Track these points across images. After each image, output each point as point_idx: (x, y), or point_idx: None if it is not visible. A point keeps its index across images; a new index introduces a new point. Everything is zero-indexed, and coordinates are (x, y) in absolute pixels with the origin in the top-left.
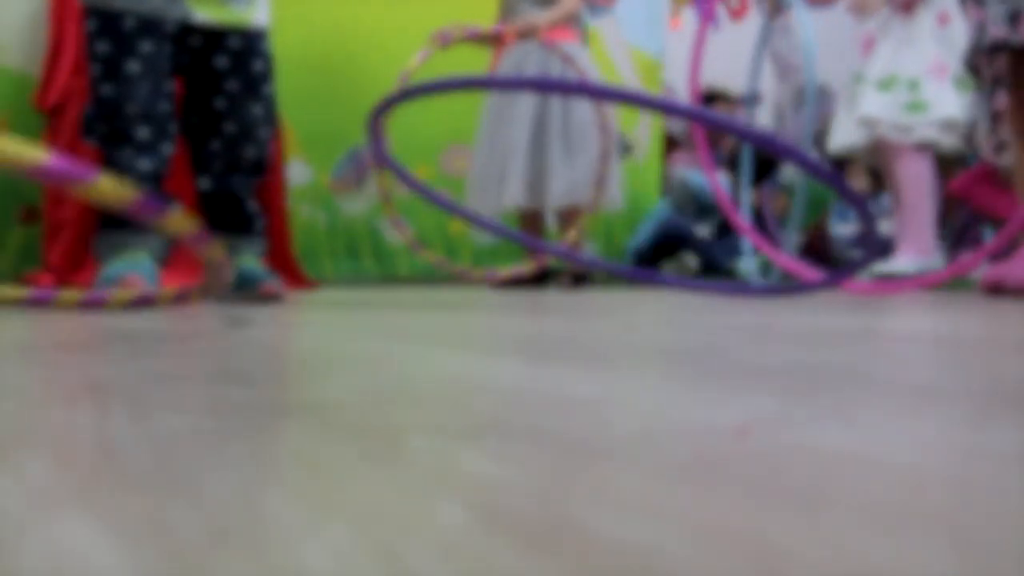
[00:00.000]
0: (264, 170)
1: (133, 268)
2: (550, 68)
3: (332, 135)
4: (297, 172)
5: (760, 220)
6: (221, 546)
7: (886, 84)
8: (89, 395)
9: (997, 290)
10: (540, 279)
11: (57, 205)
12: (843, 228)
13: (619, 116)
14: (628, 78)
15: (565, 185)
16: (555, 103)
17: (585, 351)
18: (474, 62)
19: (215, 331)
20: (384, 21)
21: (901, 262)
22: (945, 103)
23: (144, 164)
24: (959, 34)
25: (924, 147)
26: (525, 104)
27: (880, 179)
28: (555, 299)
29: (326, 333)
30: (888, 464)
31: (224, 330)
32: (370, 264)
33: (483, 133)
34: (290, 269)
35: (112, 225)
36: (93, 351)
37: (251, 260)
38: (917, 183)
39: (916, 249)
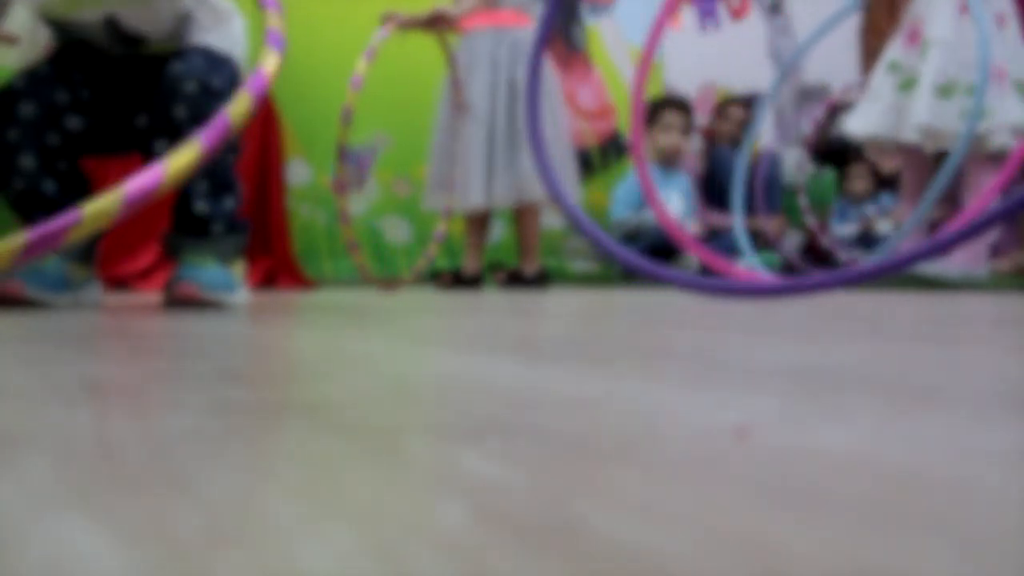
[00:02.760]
0: (228, 151)
1: (26, 275)
2: (500, 56)
3: (332, 135)
4: (297, 172)
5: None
6: (221, 546)
7: (946, 91)
8: (89, 395)
9: None
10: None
11: None
12: (843, 228)
13: (618, 117)
14: (628, 78)
15: (510, 183)
16: (501, 101)
17: (585, 351)
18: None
19: (215, 331)
20: None
21: (950, 266)
22: (1008, 109)
23: (27, 160)
24: (1014, 37)
25: (996, 156)
26: (477, 104)
27: (880, 180)
28: (555, 301)
29: (326, 333)
30: (888, 464)
31: (225, 330)
32: (370, 264)
33: (439, 133)
34: (290, 269)
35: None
36: (93, 351)
37: (200, 259)
38: (983, 194)
39: (968, 256)
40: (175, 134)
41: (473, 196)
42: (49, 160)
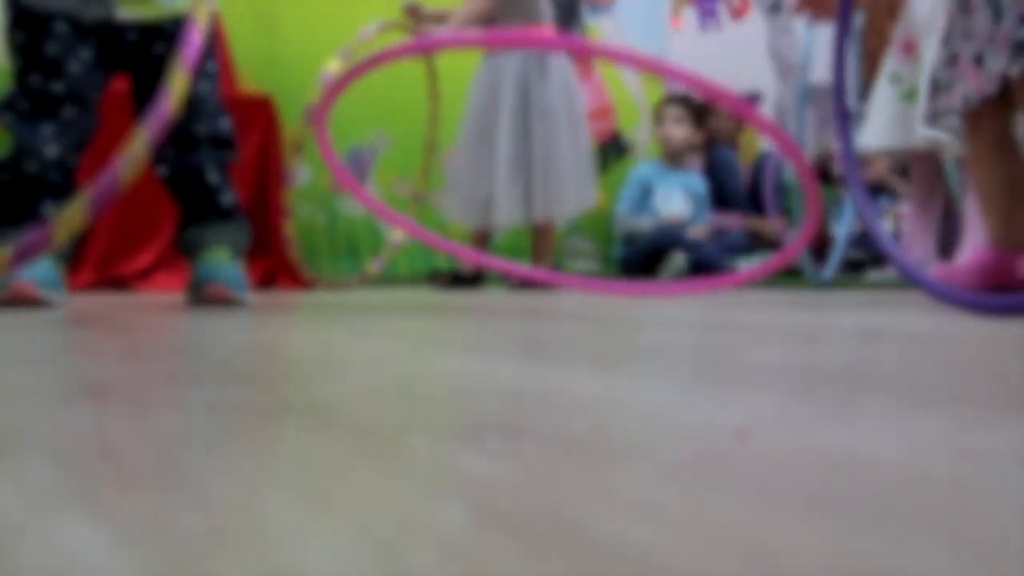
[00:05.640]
0: (228, 146)
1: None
2: (529, 77)
3: (332, 135)
4: (297, 172)
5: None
6: (221, 546)
7: None
8: (89, 395)
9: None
10: (475, 280)
11: None
12: (843, 228)
13: (619, 116)
14: (628, 77)
15: (542, 203)
16: (533, 123)
17: (585, 351)
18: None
19: (215, 331)
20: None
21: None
22: None
23: (51, 150)
24: None
25: None
26: (506, 118)
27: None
28: (556, 302)
29: (326, 333)
30: (888, 464)
31: (225, 330)
32: (370, 264)
33: (466, 146)
34: (289, 269)
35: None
36: (93, 351)
37: (219, 254)
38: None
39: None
40: (188, 147)
41: (505, 215)
42: (69, 154)
